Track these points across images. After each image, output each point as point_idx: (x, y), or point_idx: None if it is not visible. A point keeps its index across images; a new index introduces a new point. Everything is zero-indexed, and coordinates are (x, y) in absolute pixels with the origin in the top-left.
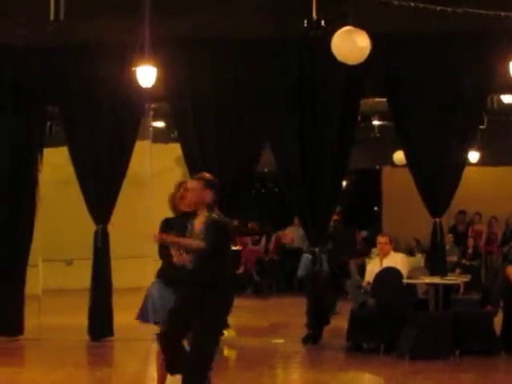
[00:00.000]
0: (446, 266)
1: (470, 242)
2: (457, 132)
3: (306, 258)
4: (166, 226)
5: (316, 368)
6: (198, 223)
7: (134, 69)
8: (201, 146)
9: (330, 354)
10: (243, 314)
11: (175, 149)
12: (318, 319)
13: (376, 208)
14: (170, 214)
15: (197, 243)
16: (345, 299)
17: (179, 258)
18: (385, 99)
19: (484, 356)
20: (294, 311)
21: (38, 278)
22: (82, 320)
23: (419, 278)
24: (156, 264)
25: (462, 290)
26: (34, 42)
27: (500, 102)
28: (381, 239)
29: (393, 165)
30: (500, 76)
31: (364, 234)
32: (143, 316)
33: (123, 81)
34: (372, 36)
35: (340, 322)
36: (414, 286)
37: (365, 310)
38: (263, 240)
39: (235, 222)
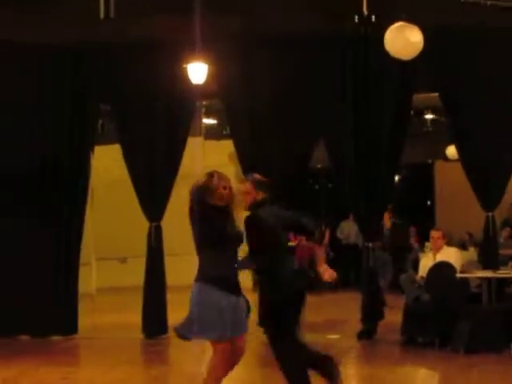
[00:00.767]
0: (499, 260)
1: None
2: (509, 126)
3: None
4: None
5: (371, 363)
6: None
7: (185, 66)
8: (254, 142)
9: (385, 349)
10: None
11: (227, 145)
12: (372, 314)
13: (429, 202)
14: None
15: None
16: (398, 293)
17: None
18: (437, 94)
19: None
20: (348, 307)
21: (92, 276)
22: (136, 318)
23: (472, 271)
24: None
25: None
26: (86, 41)
27: None
28: (434, 234)
29: (446, 159)
30: None
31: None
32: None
33: (175, 78)
34: (426, 30)
35: (394, 317)
36: (466, 279)
37: (419, 305)
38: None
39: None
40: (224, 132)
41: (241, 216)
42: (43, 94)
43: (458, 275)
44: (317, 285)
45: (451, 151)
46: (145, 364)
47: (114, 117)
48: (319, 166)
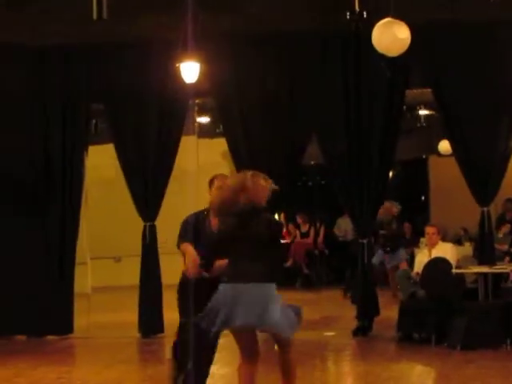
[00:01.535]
0: (495, 255)
1: None
2: (503, 120)
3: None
4: None
5: (367, 360)
6: None
7: (177, 65)
8: (247, 140)
9: (381, 346)
10: None
11: (221, 143)
12: (368, 311)
13: (423, 198)
14: None
15: None
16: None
17: None
18: (430, 89)
19: None
20: (344, 303)
21: (87, 275)
22: (132, 317)
23: (467, 267)
24: None
25: (511, 278)
26: (79, 41)
27: None
28: (429, 230)
29: (439, 154)
30: None
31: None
32: None
33: (167, 77)
34: (417, 25)
35: (390, 313)
36: (462, 275)
37: (414, 301)
38: (312, 232)
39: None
40: (217, 130)
41: None
42: (35, 94)
43: (454, 271)
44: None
45: (444, 146)
46: (140, 363)
47: (107, 116)
48: (312, 162)
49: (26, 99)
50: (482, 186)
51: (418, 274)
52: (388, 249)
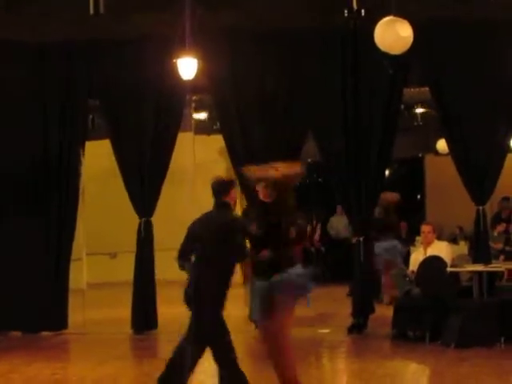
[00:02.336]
0: (490, 254)
1: None
2: (499, 119)
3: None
4: None
5: (362, 357)
6: None
7: (175, 60)
8: (244, 137)
9: (376, 343)
10: None
11: (218, 140)
12: (363, 308)
13: (419, 196)
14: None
15: None
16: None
17: None
18: (427, 88)
19: None
20: (339, 301)
21: (83, 271)
22: (127, 313)
23: (463, 265)
24: None
25: (506, 276)
26: (77, 38)
27: None
28: (424, 228)
29: (436, 153)
30: None
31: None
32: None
33: (165, 73)
34: (416, 23)
35: (385, 311)
36: (457, 273)
37: (410, 299)
38: (308, 230)
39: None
40: (214, 127)
41: None
42: (32, 91)
43: (449, 269)
44: None
45: (441, 145)
46: (135, 359)
47: (104, 112)
48: (309, 160)
49: (23, 96)
50: (478, 184)
51: (413, 272)
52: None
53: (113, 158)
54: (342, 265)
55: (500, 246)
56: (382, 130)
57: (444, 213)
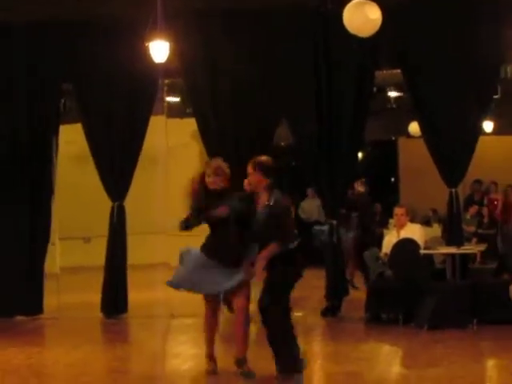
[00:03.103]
0: (463, 236)
1: (486, 210)
2: (471, 102)
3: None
4: None
5: (336, 340)
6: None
7: (147, 44)
8: (216, 120)
9: (350, 326)
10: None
11: (191, 124)
12: (337, 291)
13: (393, 179)
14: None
15: None
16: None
17: None
18: (399, 71)
19: (501, 324)
20: (312, 284)
21: (56, 256)
22: (99, 297)
23: (436, 248)
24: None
25: (478, 258)
26: (47, 19)
27: None
28: (397, 211)
29: (408, 136)
30: None
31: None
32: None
33: (137, 56)
34: (385, 6)
35: (359, 294)
36: (430, 256)
37: (383, 281)
38: None
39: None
40: (187, 110)
41: None
42: (2, 74)
43: (422, 252)
44: None
45: (414, 128)
46: (109, 343)
47: (76, 95)
48: (282, 143)
49: None
50: (451, 167)
51: (386, 254)
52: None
53: (85, 142)
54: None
55: (473, 228)
56: (355, 113)
57: (418, 195)
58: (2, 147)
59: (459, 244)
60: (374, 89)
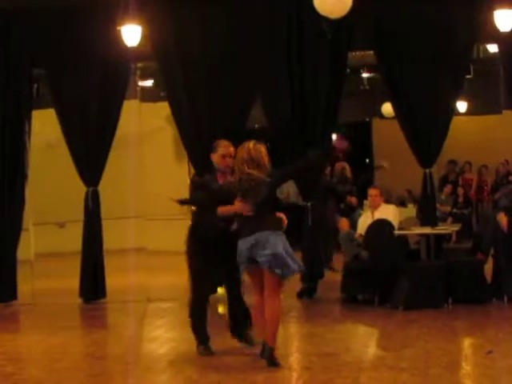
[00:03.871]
0: (437, 216)
1: (461, 190)
2: (444, 82)
3: None
4: None
5: (312, 322)
6: None
7: (119, 28)
8: (190, 103)
9: (325, 308)
10: None
11: (165, 107)
12: (312, 273)
13: (367, 160)
14: (161, 173)
15: None
16: (338, 252)
17: None
18: (372, 52)
19: (476, 303)
20: None
21: (30, 242)
22: (76, 283)
23: (410, 228)
24: (148, 224)
25: (453, 238)
26: (19, 4)
27: (486, 51)
28: (371, 192)
29: (382, 117)
30: (486, 25)
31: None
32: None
33: (109, 41)
34: None
35: (334, 275)
36: (405, 236)
37: (358, 263)
38: None
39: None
40: (161, 94)
41: None
42: None
43: (396, 232)
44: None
45: (387, 109)
46: (84, 329)
47: (48, 81)
48: (256, 126)
49: None
50: (424, 148)
51: (361, 235)
52: None
53: (58, 127)
54: (292, 230)
55: (448, 208)
56: (328, 94)
57: (393, 176)
58: None
59: (433, 224)
60: (348, 70)
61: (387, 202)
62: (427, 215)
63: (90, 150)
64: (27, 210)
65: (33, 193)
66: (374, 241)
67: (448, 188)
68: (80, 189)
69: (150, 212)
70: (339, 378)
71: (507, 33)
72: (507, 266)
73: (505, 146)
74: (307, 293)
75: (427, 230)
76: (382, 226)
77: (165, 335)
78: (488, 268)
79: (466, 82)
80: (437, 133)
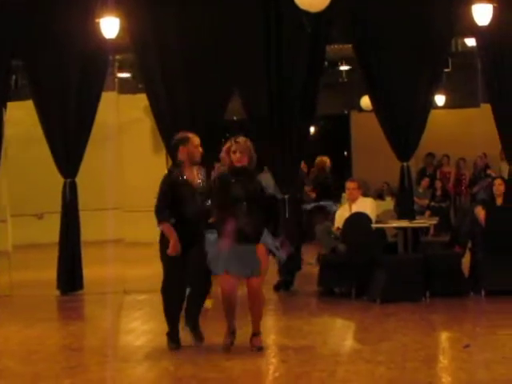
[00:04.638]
0: (414, 209)
1: (439, 184)
2: (423, 75)
3: None
4: None
5: (289, 314)
6: None
7: (97, 20)
8: (168, 95)
9: (302, 300)
10: None
11: (143, 99)
12: (289, 266)
13: (346, 153)
14: (139, 164)
15: None
16: (315, 245)
17: None
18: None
19: (453, 297)
20: None
21: (8, 233)
22: (54, 275)
23: (388, 221)
24: (126, 215)
25: (431, 231)
26: None
27: (464, 44)
28: (349, 185)
29: (360, 110)
30: (463, 19)
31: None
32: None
33: (87, 32)
34: None
35: (311, 268)
36: (383, 229)
37: (335, 256)
38: None
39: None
40: (140, 86)
41: None
42: None
43: (374, 225)
44: None
45: (365, 102)
46: (61, 321)
47: (27, 72)
48: (235, 118)
49: None
50: (402, 141)
51: (338, 228)
52: None
53: (36, 118)
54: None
55: (425, 201)
56: (306, 86)
57: (371, 169)
58: None
59: (411, 218)
60: (326, 63)
61: (365, 195)
62: (405, 208)
63: (68, 141)
64: (4, 201)
65: (11, 184)
66: (351, 234)
67: (426, 181)
68: (58, 180)
69: (128, 203)
70: (316, 371)
71: (485, 26)
72: (484, 260)
73: (483, 139)
74: (284, 285)
75: (405, 224)
76: (359, 219)
77: (141, 327)
78: (465, 261)
79: (444, 76)
80: (415, 126)
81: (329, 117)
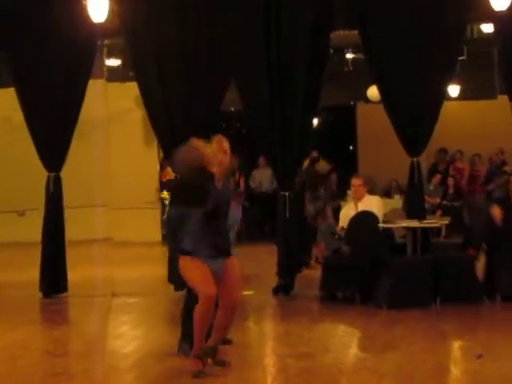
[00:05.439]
0: (425, 208)
1: (451, 181)
2: (435, 64)
3: None
4: None
5: (287, 320)
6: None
7: (84, 2)
8: (161, 84)
9: (303, 305)
10: None
11: (133, 88)
12: (289, 268)
13: (351, 147)
14: (129, 158)
15: None
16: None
17: None
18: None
19: (466, 303)
20: (264, 260)
21: None
22: (37, 275)
23: (396, 221)
24: (113, 213)
25: (443, 233)
26: None
27: (480, 31)
28: (355, 181)
29: (367, 101)
30: (480, 4)
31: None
32: None
33: (74, 16)
34: None
35: (313, 271)
36: (390, 230)
37: (339, 258)
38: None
39: None
40: (130, 74)
41: None
42: None
43: (381, 225)
44: None
45: (372, 93)
46: (46, 324)
47: (9, 58)
48: (232, 109)
49: None
50: (412, 135)
51: (343, 228)
52: None
53: (18, 108)
54: (266, 221)
55: (437, 200)
56: (308, 76)
57: (378, 165)
58: None
59: (421, 217)
60: (331, 50)
61: (371, 192)
62: (414, 207)
63: (53, 132)
64: None
65: None
66: (356, 234)
67: (437, 178)
68: (41, 174)
69: (117, 200)
70: (317, 382)
71: (503, 12)
72: (501, 263)
73: (499, 133)
74: (283, 289)
75: (414, 224)
76: (365, 218)
77: (131, 332)
78: (480, 265)
79: (459, 64)
80: (426, 119)
81: (333, 108)
